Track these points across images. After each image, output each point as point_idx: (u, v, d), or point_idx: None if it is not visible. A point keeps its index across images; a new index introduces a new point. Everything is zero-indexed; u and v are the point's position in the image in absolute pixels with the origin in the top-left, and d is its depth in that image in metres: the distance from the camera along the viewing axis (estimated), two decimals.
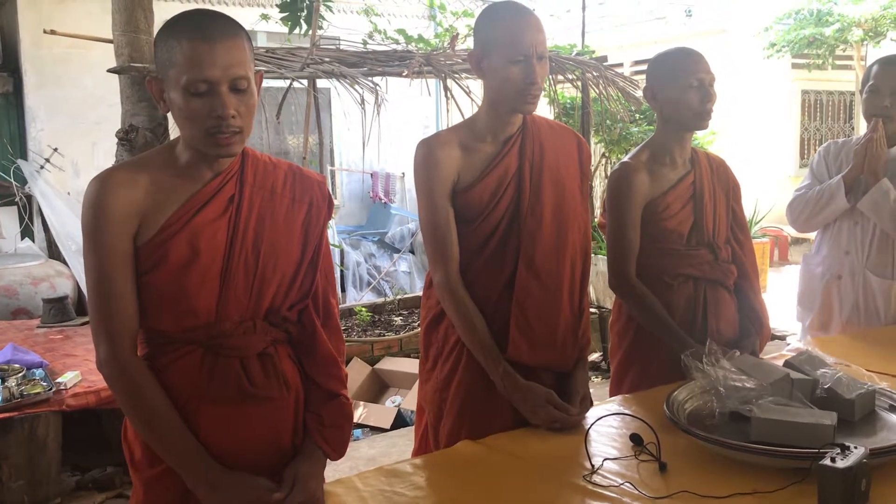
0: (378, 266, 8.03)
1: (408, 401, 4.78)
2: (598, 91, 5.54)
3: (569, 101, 7.04)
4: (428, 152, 1.97)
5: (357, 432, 4.47)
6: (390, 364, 5.25)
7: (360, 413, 4.69)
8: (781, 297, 6.81)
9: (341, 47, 5.20)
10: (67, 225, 5.84)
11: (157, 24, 3.87)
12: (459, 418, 2.00)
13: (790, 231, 9.13)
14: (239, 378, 1.54)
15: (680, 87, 2.25)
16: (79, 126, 6.33)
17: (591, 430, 1.81)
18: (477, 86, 5.53)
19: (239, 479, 1.49)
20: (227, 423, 1.54)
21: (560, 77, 5.55)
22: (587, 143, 2.46)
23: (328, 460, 1.66)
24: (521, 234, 1.99)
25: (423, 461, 1.80)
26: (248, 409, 1.56)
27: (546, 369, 2.03)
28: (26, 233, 6.26)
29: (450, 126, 2.12)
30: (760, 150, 10.21)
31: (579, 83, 5.62)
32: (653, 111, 2.66)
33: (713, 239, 2.35)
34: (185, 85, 1.42)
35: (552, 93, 5.75)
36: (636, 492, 1.55)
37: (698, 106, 2.25)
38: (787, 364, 1.97)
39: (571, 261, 2.05)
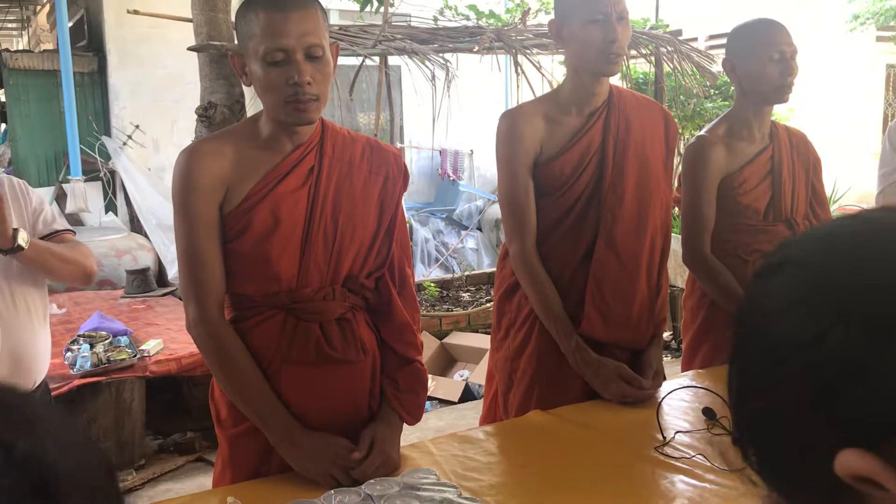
0: (446, 243, 8.07)
1: (475, 375, 4.82)
2: (671, 66, 5.43)
3: (641, 76, 6.91)
4: (511, 124, 1.97)
5: (426, 404, 4.54)
6: (458, 339, 5.30)
7: (429, 386, 4.75)
8: None
9: (412, 24, 5.23)
10: (148, 200, 6.04)
11: (234, 2, 3.97)
12: (529, 388, 2.02)
13: None
14: (318, 341, 1.60)
15: (760, 59, 2.19)
16: (159, 104, 6.51)
17: (662, 403, 1.81)
18: (548, 62, 5.49)
19: (319, 438, 1.55)
20: (307, 384, 1.60)
21: (633, 52, 5.45)
22: None
23: (403, 426, 1.70)
24: (601, 209, 1.97)
25: (495, 429, 1.83)
26: (327, 371, 1.61)
27: (620, 346, 2.02)
28: (110, 207, 6.49)
29: (525, 101, 2.11)
30: (841, 127, 9.82)
31: (652, 58, 5.52)
32: (729, 85, 2.60)
33: (791, 215, 2.30)
34: (262, 55, 1.47)
35: (624, 67, 5.67)
36: (708, 464, 1.55)
37: (778, 79, 2.19)
38: None
39: (651, 239, 2.02)
